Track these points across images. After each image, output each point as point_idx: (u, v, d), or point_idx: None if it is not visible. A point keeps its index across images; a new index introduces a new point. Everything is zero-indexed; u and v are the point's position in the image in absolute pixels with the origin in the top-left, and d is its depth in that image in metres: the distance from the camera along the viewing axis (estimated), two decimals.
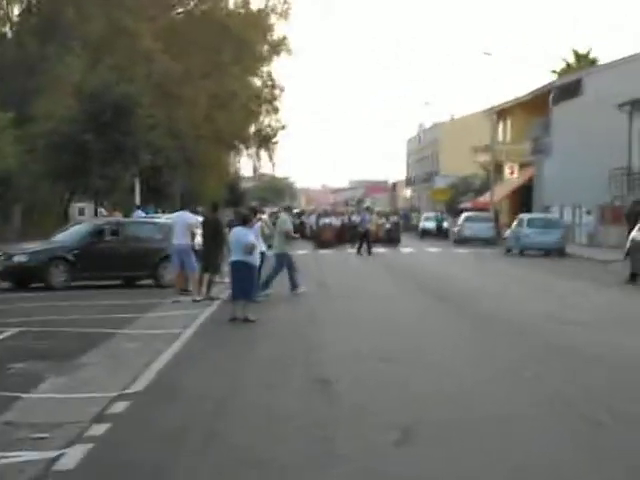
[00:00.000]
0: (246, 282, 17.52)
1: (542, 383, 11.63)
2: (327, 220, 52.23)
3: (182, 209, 24.27)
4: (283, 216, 24.19)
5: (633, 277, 27.28)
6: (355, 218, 51.62)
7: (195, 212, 24.94)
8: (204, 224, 22.34)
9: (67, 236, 26.20)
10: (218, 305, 20.59)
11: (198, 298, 21.34)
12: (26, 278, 24.90)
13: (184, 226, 22.13)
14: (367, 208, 53.43)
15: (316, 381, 11.64)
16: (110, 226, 26.98)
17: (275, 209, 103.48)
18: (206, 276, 21.99)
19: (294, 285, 23.02)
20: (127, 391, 11.06)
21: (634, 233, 28.11)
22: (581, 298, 23.31)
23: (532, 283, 27.70)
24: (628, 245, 28.15)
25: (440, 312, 19.93)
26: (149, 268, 25.53)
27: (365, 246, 41.98)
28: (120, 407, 10.17)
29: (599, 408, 10.10)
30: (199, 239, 22.52)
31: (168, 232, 23.43)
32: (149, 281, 25.68)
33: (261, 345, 15.10)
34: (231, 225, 20.48)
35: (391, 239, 51.85)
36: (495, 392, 11.11)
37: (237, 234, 17.89)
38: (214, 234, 21.64)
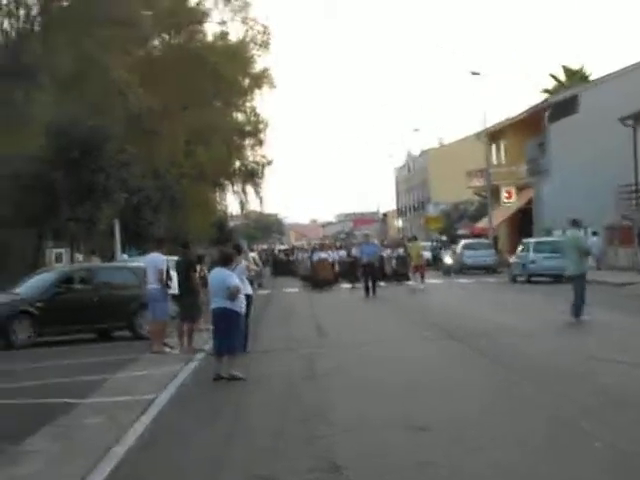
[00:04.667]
0: (230, 333, 14.77)
1: (629, 461, 8.61)
2: (323, 255, 44.96)
3: (153, 250, 21.22)
4: (577, 233, 22.39)
5: None
6: (355, 251, 44.85)
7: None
8: (177, 266, 19.69)
9: (30, 287, 23.37)
10: (201, 360, 17.81)
11: (165, 350, 19.38)
12: None
13: (154, 269, 19.51)
14: (366, 235, 47.06)
15: (323, 471, 8.76)
16: (79, 273, 24.45)
17: (264, 246, 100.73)
18: (185, 325, 19.31)
19: (577, 312, 21.19)
20: None
21: None
22: (619, 331, 19.80)
23: (555, 316, 24.45)
24: None
25: (467, 360, 16.48)
26: (125, 318, 23.18)
27: (371, 284, 36.14)
28: None
29: None
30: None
31: (145, 277, 20.62)
32: (126, 332, 23.23)
33: (250, 415, 12.16)
34: (212, 266, 17.79)
35: (399, 275, 44.09)
36: None
37: (217, 276, 15.10)
38: (186, 276, 19.35)
